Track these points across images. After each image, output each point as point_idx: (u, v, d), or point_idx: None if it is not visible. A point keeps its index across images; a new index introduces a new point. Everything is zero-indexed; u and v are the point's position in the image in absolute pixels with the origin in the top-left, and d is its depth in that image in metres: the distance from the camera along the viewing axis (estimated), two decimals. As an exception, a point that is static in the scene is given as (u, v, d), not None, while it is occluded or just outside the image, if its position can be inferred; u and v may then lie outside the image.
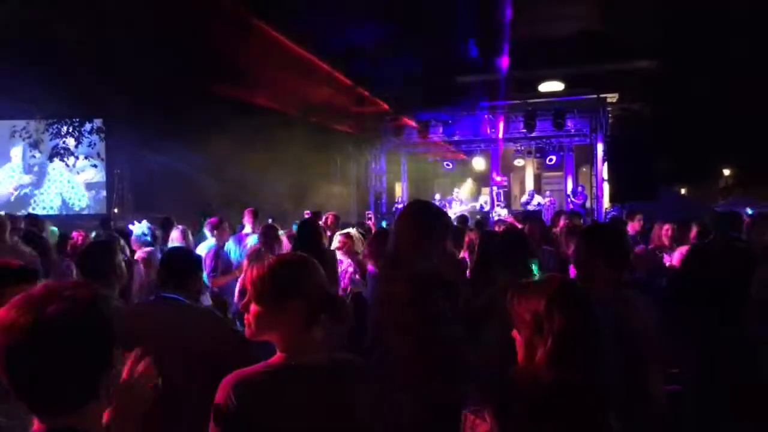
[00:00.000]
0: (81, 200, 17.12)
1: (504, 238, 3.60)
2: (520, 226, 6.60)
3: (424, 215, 2.56)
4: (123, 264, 3.23)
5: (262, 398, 1.58)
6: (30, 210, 15.63)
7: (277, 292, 1.67)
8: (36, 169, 16.76)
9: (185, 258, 3.11)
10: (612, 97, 17.20)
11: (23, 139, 14.37)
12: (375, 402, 1.74)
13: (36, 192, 16.92)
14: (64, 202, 16.99)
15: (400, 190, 21.90)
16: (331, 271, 4.64)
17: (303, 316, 1.68)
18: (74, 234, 6.08)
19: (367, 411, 1.69)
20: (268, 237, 5.60)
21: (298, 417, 1.59)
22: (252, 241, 6.27)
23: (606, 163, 16.74)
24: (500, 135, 17.93)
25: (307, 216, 9.63)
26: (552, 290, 1.62)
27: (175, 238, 6.40)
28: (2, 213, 5.13)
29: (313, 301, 1.69)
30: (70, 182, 16.88)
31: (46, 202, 16.73)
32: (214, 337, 2.69)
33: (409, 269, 2.45)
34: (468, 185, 21.98)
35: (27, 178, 16.89)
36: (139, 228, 6.24)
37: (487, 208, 18.45)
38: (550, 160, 20.50)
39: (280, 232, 6.53)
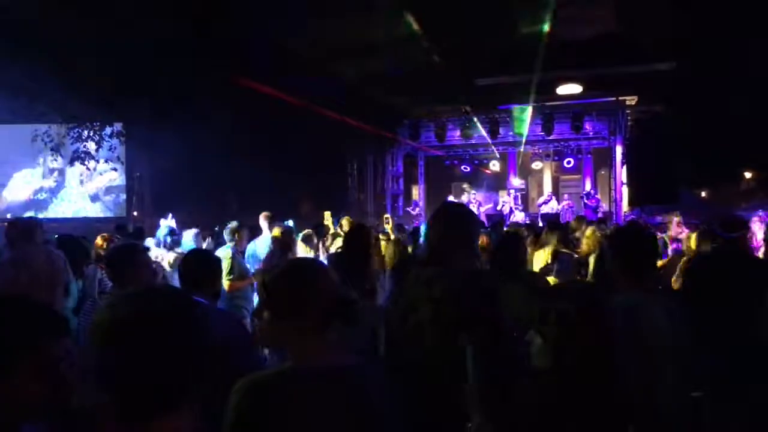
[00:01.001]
0: (83, 202, 17.02)
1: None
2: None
3: (465, 216, 2.71)
4: (150, 266, 3.26)
5: (273, 403, 1.57)
6: (46, 214, 15.75)
7: (289, 297, 1.67)
8: (56, 174, 16.70)
9: (204, 260, 3.13)
10: (631, 100, 16.98)
11: (45, 143, 14.55)
12: (388, 405, 1.72)
13: (54, 199, 16.81)
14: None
15: (416, 193, 21.89)
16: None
17: (315, 321, 1.67)
18: (99, 239, 6.12)
19: (380, 415, 1.67)
20: (283, 241, 5.61)
21: (309, 422, 1.58)
22: (265, 243, 6.30)
23: (625, 166, 16.59)
24: (524, 138, 17.80)
25: (328, 219, 9.69)
26: (582, 299, 1.61)
27: (187, 241, 6.46)
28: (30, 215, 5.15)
29: (325, 307, 1.69)
30: (79, 194, 16.85)
31: (63, 206, 16.63)
32: (231, 340, 2.69)
33: (465, 266, 2.53)
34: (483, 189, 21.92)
35: (46, 183, 16.82)
36: (164, 227, 6.25)
37: (506, 210, 18.32)
38: (569, 162, 20.36)
39: (299, 235, 6.57)
